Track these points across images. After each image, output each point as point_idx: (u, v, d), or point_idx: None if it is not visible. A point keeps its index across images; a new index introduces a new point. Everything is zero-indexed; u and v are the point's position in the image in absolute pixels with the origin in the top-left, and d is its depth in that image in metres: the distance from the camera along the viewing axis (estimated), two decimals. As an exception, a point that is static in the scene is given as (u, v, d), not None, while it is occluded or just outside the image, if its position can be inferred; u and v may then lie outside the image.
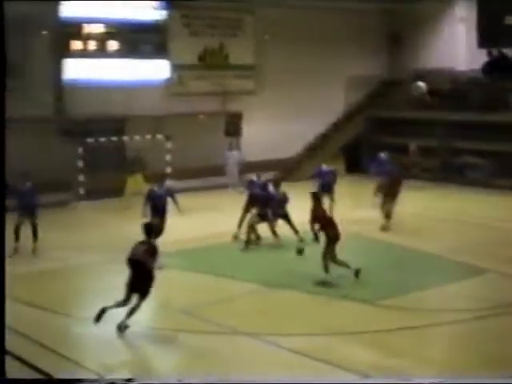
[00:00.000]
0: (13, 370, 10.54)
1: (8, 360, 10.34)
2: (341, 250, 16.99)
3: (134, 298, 13.63)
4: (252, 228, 20.08)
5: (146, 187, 25.49)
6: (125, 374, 12.06)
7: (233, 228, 20.72)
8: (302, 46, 31.80)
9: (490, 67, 31.80)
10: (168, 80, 29.32)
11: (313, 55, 32.27)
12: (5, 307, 9.83)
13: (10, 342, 10.58)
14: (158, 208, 18.71)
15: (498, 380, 10.60)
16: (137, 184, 25.59)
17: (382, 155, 25.85)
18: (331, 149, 33.30)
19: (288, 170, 31.58)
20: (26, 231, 19.47)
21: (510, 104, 29.96)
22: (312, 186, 21.84)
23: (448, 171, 31.25)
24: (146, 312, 15.17)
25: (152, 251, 13.76)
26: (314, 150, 33.15)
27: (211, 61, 30.65)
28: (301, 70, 32.05)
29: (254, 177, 21.57)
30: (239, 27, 31.25)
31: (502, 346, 12.85)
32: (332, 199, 22.69)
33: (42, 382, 10.79)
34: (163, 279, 17.70)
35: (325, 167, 23.63)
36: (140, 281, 13.57)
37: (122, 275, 13.83)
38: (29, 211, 19.33)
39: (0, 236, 9.86)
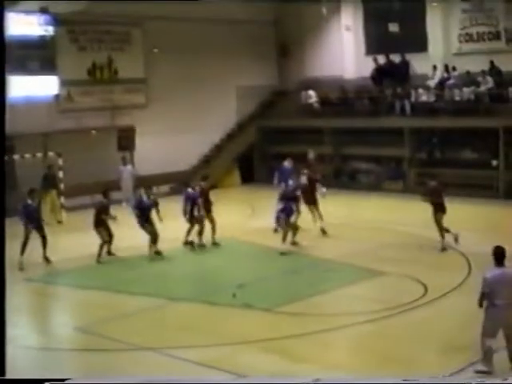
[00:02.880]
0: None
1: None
2: (236, 259, 16.96)
3: None
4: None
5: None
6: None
7: (128, 243, 20.63)
8: (192, 57, 31.84)
9: (379, 74, 32.51)
10: (57, 96, 28.90)
11: (203, 66, 32.35)
12: (5, 308, 9.87)
13: None
14: None
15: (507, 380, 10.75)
16: (53, 201, 26.19)
17: (286, 164, 26.02)
18: (226, 160, 33.47)
19: (183, 182, 31.46)
20: None
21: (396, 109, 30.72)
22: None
23: (340, 177, 31.78)
24: (41, 332, 14.90)
25: None
26: (209, 161, 33.22)
27: (100, 75, 30.38)
28: (192, 82, 32.09)
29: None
30: (127, 41, 31.07)
31: (396, 346, 13.14)
32: None
33: (40, 381, 10.59)
34: (58, 298, 17.56)
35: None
36: None
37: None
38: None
39: (0, 237, 9.97)
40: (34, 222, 19.97)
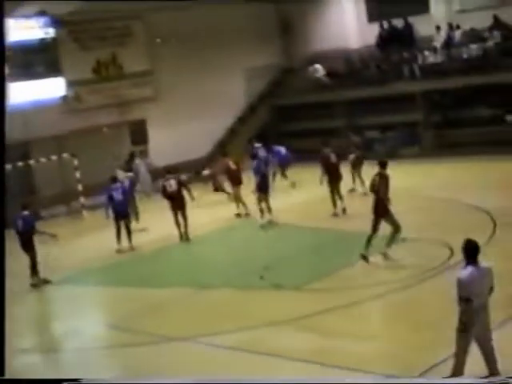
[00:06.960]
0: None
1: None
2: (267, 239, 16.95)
3: None
4: None
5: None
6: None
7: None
8: (196, 44, 31.66)
9: (383, 41, 32.27)
10: (64, 97, 28.86)
11: (207, 52, 32.15)
12: (5, 308, 9.88)
13: None
14: None
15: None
16: None
17: None
18: (240, 142, 33.30)
19: (201, 169, 31.43)
20: None
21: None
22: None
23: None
24: (75, 332, 14.95)
25: None
26: (224, 146, 33.07)
27: (106, 72, 30.29)
28: (198, 70, 31.92)
29: None
30: (129, 35, 30.96)
31: (427, 311, 13.15)
32: None
33: (41, 382, 10.68)
34: (87, 297, 17.61)
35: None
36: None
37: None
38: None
39: (0, 238, 10.05)
40: None
